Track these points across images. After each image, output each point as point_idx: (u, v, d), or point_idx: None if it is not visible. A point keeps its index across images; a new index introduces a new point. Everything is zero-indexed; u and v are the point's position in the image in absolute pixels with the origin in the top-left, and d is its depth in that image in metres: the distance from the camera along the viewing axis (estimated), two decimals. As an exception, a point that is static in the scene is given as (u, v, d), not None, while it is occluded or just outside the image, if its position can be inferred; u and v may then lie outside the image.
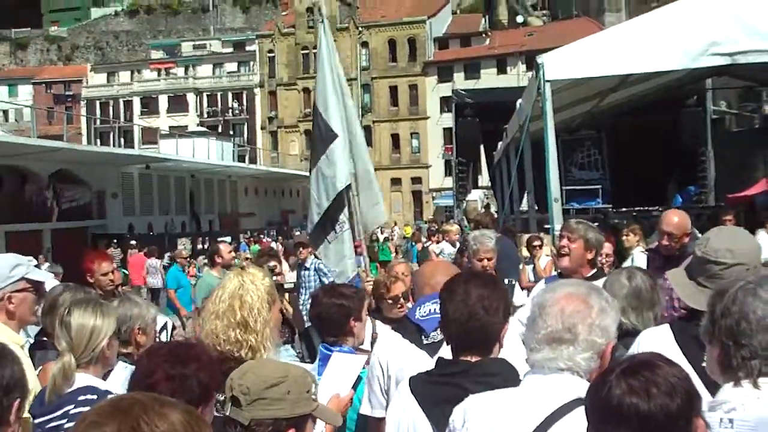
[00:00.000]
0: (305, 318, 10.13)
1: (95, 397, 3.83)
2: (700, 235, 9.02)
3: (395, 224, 70.35)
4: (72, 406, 3.81)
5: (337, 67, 9.48)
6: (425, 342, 4.15)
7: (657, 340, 3.89)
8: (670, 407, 2.23)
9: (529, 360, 2.97)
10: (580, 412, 2.73)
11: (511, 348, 3.73)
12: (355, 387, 4.55)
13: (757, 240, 4.02)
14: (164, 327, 6.60)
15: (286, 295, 9.88)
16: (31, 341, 5.68)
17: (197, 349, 3.39)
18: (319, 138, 9.25)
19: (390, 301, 6.55)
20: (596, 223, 7.09)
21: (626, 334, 4.54)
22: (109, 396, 3.87)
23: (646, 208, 21.39)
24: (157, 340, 6.03)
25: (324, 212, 9.11)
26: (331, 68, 9.38)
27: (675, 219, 7.34)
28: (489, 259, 7.61)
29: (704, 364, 3.52)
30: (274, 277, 8.90)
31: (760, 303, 2.97)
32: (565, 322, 2.88)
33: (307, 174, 9.55)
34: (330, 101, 9.19)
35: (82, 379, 3.95)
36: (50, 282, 5.81)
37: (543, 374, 2.89)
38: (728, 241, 3.97)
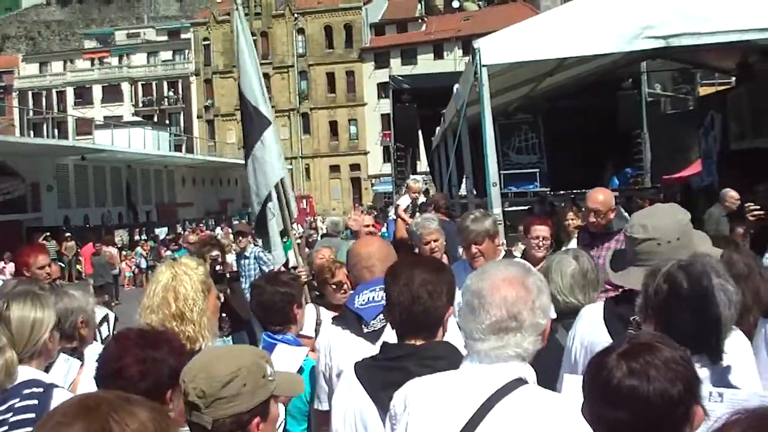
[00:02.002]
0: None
1: (41, 390, 3.79)
2: (624, 212, 9.17)
3: (344, 213, 70.21)
4: (17, 399, 3.75)
5: (255, 56, 9.46)
6: (366, 330, 4.15)
7: (591, 315, 3.98)
8: (670, 392, 2.25)
9: (472, 349, 2.95)
10: (522, 391, 2.76)
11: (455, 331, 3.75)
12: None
13: (680, 215, 4.08)
14: (105, 319, 6.52)
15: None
16: None
17: (167, 335, 3.44)
18: (250, 126, 9.20)
19: (333, 287, 6.55)
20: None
21: (566, 314, 4.60)
22: (55, 389, 3.84)
23: (584, 190, 21.59)
24: (97, 333, 5.98)
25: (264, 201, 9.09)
26: (253, 56, 9.35)
27: (600, 197, 7.71)
28: (435, 240, 7.64)
29: None
30: (218, 267, 8.87)
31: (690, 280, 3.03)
32: (509, 310, 2.86)
33: (244, 162, 9.44)
34: (256, 89, 9.17)
35: (26, 372, 3.89)
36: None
37: (490, 362, 2.87)
38: (645, 216, 4.07)
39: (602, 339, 3.73)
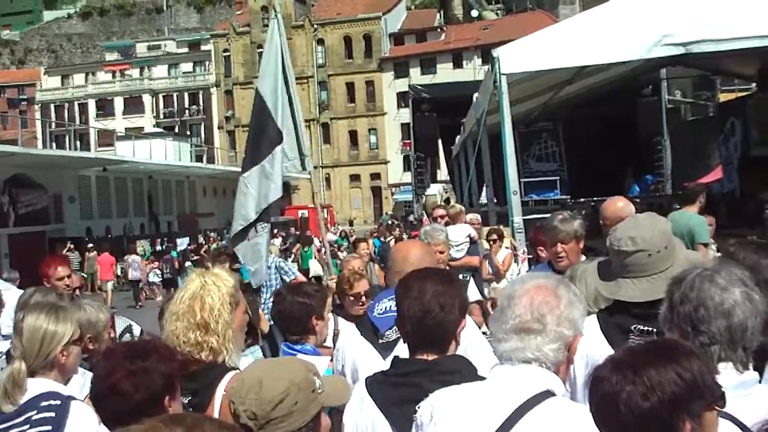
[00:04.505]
0: (266, 317, 10.07)
1: (58, 402, 3.76)
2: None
3: (365, 222, 70.02)
4: (34, 412, 3.73)
5: (289, 66, 9.46)
6: (380, 341, 4.12)
7: (586, 329, 3.94)
8: (642, 407, 2.21)
9: (496, 351, 2.96)
10: (549, 403, 2.75)
11: (470, 344, 3.73)
12: None
13: (663, 225, 4.13)
14: (127, 330, 6.52)
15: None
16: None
17: (154, 343, 3.40)
18: (264, 135, 9.17)
19: (352, 298, 6.55)
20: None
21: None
22: (72, 402, 3.82)
23: (604, 198, 21.48)
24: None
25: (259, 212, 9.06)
26: (284, 66, 9.34)
27: (609, 206, 7.28)
28: (441, 252, 7.64)
29: None
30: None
31: (717, 289, 2.99)
32: (534, 312, 2.88)
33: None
34: (279, 101, 9.14)
35: (44, 384, 3.87)
36: (12, 292, 5.72)
37: (511, 365, 2.88)
38: (630, 229, 4.09)
39: (603, 351, 3.72)
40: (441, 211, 13.44)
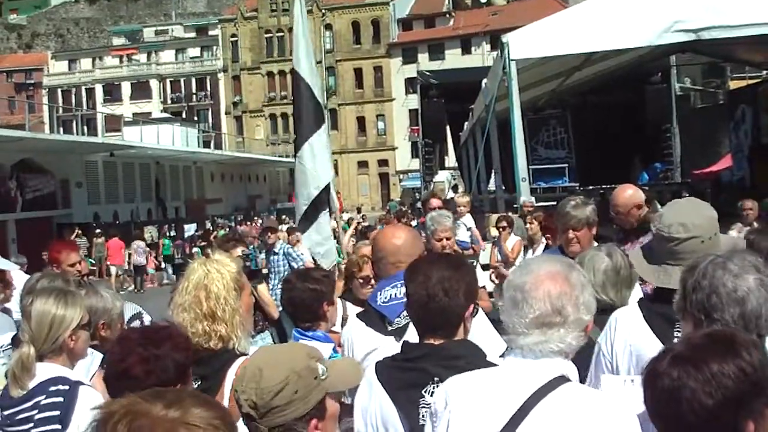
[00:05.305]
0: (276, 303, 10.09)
1: (67, 387, 3.77)
2: (660, 207, 9.12)
3: (373, 209, 69.99)
4: (43, 396, 3.74)
5: (310, 49, 9.56)
6: (390, 329, 4.10)
7: (628, 318, 3.89)
8: (706, 404, 2.17)
9: (515, 344, 2.92)
10: (565, 389, 2.74)
11: (476, 331, 3.70)
12: None
13: (710, 210, 4.03)
14: (137, 317, 6.50)
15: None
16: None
17: (169, 330, 3.38)
18: (312, 113, 9.23)
19: (361, 281, 6.54)
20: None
21: (601, 312, 4.53)
22: (81, 387, 3.82)
23: (613, 186, 21.47)
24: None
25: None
26: (310, 47, 9.46)
27: (620, 194, 7.41)
28: (448, 238, 7.63)
29: (675, 341, 3.53)
30: (247, 264, 8.82)
31: (729, 276, 2.97)
32: (554, 305, 2.85)
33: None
34: (316, 80, 9.26)
35: (52, 369, 3.87)
36: (17, 273, 5.70)
37: (534, 357, 2.85)
38: (680, 215, 3.96)
39: (648, 341, 3.67)
40: (437, 202, 13.22)
